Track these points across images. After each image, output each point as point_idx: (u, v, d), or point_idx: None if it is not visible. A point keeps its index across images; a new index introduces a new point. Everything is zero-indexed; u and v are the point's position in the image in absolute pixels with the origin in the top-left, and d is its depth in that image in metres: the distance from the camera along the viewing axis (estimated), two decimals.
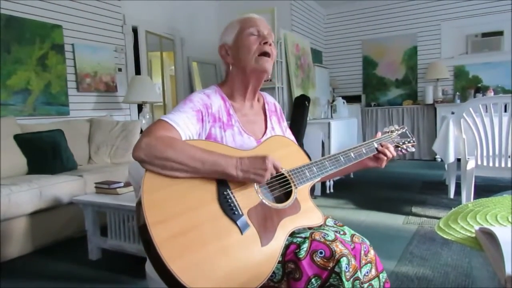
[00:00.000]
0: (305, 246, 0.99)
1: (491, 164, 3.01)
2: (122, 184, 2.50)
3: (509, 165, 2.95)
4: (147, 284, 1.51)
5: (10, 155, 2.92)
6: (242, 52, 1.16)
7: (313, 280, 0.95)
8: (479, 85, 5.78)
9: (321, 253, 0.97)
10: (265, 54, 1.16)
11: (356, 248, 1.09)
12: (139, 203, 0.92)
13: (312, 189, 1.17)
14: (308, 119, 4.33)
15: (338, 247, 0.98)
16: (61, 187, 2.73)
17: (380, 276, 1.15)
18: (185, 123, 1.06)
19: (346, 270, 0.95)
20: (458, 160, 3.26)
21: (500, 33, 5.68)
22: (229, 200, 0.98)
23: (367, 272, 1.11)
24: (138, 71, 4.67)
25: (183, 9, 5.29)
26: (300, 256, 0.97)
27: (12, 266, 2.41)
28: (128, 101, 4.06)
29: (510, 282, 0.73)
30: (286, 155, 1.16)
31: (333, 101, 5.15)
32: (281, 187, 1.10)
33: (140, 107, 4.35)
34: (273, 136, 1.21)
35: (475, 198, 2.71)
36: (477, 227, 0.94)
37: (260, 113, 1.29)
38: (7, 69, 3.28)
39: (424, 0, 6.19)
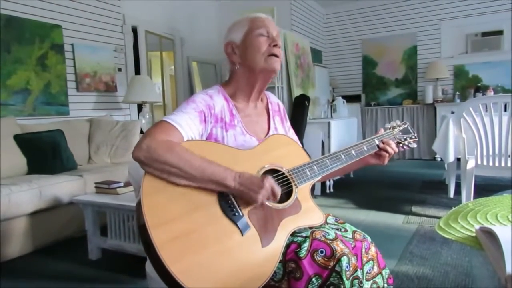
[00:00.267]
0: (306, 245, 0.99)
1: (491, 164, 3.01)
2: (122, 184, 2.50)
3: (509, 164, 2.95)
4: (147, 284, 1.51)
5: (10, 155, 2.92)
6: (251, 52, 1.15)
7: (313, 279, 0.95)
8: (479, 84, 5.77)
9: (321, 252, 0.97)
10: (274, 55, 1.16)
11: (357, 247, 1.08)
12: (139, 204, 0.92)
13: (312, 189, 1.16)
14: (308, 118, 4.33)
15: (339, 246, 0.98)
16: (61, 187, 2.73)
17: (383, 272, 1.15)
18: (187, 124, 1.05)
19: (347, 269, 0.95)
20: (458, 159, 3.26)
21: (500, 33, 5.68)
22: (229, 201, 0.98)
23: (370, 270, 1.11)
24: (138, 71, 4.67)
25: (183, 9, 5.28)
26: (301, 256, 0.97)
27: (12, 266, 2.41)
28: (128, 101, 4.06)
29: (511, 281, 0.73)
30: (286, 154, 1.15)
31: (333, 100, 5.15)
32: (282, 187, 1.10)
33: (140, 107, 4.35)
34: (273, 135, 1.21)
35: (475, 197, 2.71)
36: (477, 226, 0.94)
37: (264, 113, 1.28)
38: (7, 69, 3.28)
39: (424, 0, 6.19)
